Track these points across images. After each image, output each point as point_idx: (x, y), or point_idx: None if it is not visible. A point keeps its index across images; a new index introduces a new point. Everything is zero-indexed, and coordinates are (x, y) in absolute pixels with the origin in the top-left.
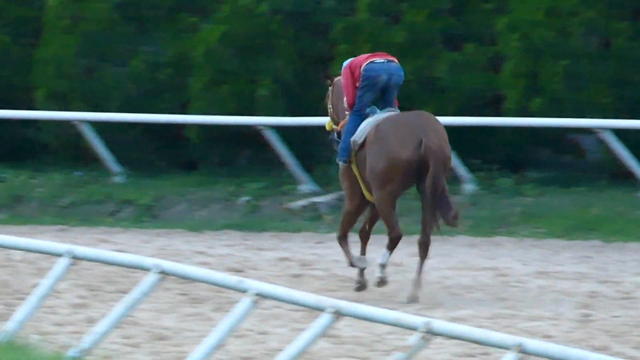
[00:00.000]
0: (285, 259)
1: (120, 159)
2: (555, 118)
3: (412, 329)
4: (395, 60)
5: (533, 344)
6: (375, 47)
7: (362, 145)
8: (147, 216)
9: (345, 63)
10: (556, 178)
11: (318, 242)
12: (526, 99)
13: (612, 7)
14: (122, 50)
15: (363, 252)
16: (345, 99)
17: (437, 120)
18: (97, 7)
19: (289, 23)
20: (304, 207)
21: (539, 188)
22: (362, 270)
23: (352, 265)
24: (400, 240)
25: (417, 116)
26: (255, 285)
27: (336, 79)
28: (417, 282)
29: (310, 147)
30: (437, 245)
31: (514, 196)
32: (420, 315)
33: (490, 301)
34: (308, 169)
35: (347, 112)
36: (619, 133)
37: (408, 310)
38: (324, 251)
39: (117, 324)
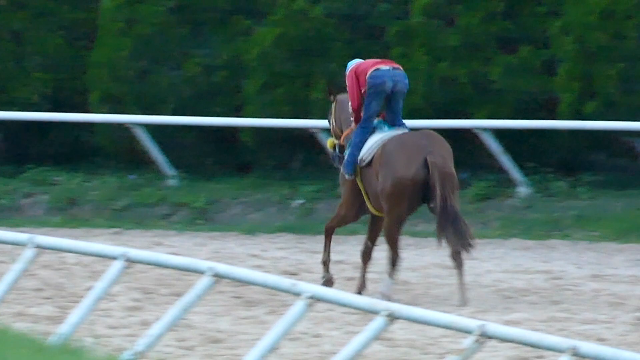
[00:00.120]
0: (340, 261)
1: (175, 162)
2: (609, 121)
3: (466, 332)
4: (400, 67)
5: (587, 347)
6: (429, 51)
7: (370, 163)
8: (201, 219)
9: (350, 66)
10: (610, 181)
11: None
12: (580, 102)
13: None
14: (177, 53)
15: (362, 280)
16: (350, 104)
17: (442, 139)
18: (151, 9)
19: (344, 26)
20: None
21: (593, 191)
22: (327, 266)
23: (323, 263)
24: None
25: (423, 136)
26: (309, 288)
27: (339, 95)
28: (463, 287)
29: None
30: (491, 248)
31: (568, 199)
32: (474, 318)
33: (544, 304)
34: None
35: (351, 118)
36: None
37: (462, 313)
38: (377, 254)
39: (172, 327)
